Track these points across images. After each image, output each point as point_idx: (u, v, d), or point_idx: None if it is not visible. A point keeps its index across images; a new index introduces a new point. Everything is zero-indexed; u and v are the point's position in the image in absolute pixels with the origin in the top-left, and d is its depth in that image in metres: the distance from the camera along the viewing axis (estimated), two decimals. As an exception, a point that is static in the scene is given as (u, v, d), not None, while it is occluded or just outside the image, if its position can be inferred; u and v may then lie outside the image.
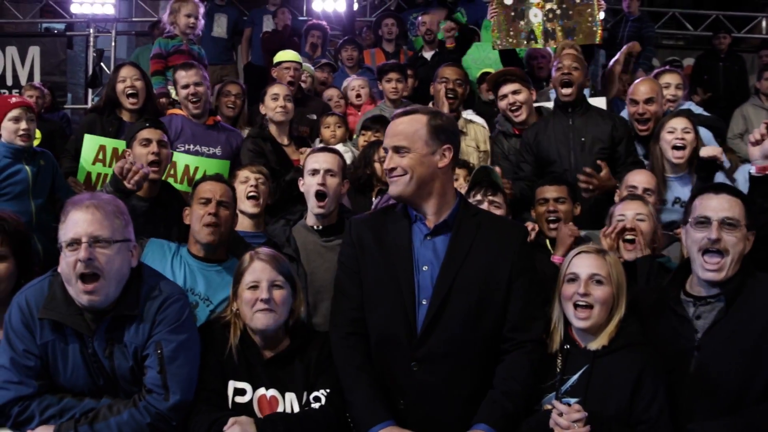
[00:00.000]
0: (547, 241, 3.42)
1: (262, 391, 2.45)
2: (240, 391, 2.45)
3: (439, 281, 2.31)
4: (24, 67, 7.87)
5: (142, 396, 2.29)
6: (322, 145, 4.56)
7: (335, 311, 2.50)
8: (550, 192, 3.46)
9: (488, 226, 2.39)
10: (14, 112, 3.65)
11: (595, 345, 2.35)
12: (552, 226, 3.40)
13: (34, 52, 7.91)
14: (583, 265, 2.38)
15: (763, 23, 9.57)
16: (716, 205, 2.35)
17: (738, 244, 2.31)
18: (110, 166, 3.90)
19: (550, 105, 4.77)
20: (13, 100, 3.85)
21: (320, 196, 3.06)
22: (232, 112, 4.77)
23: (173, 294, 2.38)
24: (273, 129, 4.27)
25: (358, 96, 5.52)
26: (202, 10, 5.36)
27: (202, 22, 5.39)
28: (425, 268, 2.33)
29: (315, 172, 3.10)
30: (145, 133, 3.46)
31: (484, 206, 3.10)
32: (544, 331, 2.41)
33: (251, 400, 2.44)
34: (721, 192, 2.39)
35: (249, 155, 4.02)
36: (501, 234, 2.38)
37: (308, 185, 3.11)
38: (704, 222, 2.35)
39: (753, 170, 2.86)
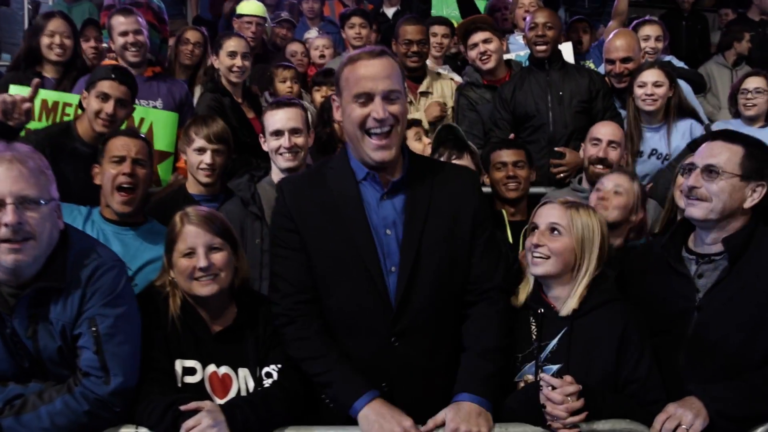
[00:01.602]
0: (504, 212, 3.15)
1: (212, 368, 2.21)
2: (189, 371, 2.19)
3: (405, 244, 2.08)
4: (-52, 22, 7.22)
5: (78, 380, 1.99)
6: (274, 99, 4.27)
7: (274, 298, 2.20)
8: (507, 156, 3.22)
9: (441, 175, 2.20)
10: None
11: (565, 310, 2.18)
12: (512, 186, 3.18)
13: (-41, 5, 7.26)
14: (543, 214, 2.26)
15: (724, -17, 9.58)
16: (703, 151, 2.20)
17: (722, 193, 2.12)
18: (40, 120, 3.44)
19: (512, 56, 4.73)
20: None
21: (294, 153, 2.96)
22: (189, 61, 4.40)
23: (106, 261, 2.06)
24: (227, 84, 3.96)
25: (322, 56, 5.26)
26: None
27: None
28: (388, 232, 2.09)
29: (279, 133, 2.95)
30: (106, 87, 3.04)
31: None
32: (504, 280, 2.24)
33: (203, 380, 2.19)
34: (719, 138, 2.21)
35: (208, 111, 3.70)
36: (456, 182, 2.20)
37: (272, 146, 2.96)
38: (689, 168, 2.22)
39: None
